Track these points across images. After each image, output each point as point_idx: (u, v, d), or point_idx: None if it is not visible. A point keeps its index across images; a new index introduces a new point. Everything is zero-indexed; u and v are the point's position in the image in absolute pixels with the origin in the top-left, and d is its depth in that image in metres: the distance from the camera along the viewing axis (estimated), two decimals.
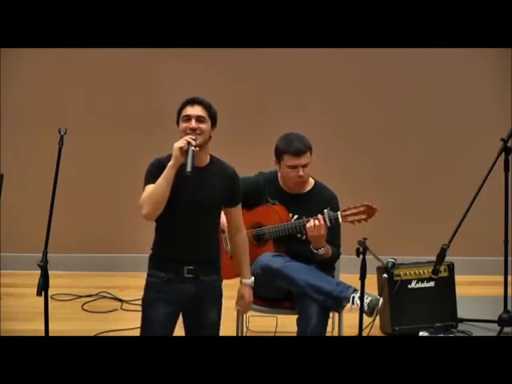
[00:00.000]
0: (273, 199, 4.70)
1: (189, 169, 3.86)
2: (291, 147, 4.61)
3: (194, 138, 3.92)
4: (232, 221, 4.14)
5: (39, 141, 6.43)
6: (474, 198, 5.09)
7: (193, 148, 3.90)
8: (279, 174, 4.75)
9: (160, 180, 3.92)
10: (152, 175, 3.97)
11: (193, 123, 3.96)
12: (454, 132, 6.76)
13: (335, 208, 4.64)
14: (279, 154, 4.66)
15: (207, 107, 4.00)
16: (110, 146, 6.64)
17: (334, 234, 4.65)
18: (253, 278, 4.23)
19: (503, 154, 5.18)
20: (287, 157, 4.63)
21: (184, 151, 3.89)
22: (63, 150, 4.11)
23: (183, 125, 3.98)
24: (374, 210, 4.56)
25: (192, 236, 3.98)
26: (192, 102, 4.00)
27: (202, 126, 3.97)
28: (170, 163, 3.91)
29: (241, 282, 4.23)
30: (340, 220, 4.57)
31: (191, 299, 4.01)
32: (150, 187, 3.95)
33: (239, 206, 4.14)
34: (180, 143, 3.91)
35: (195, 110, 3.98)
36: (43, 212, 4.16)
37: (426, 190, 6.81)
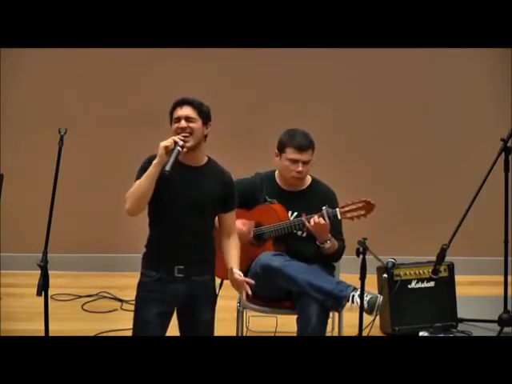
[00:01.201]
0: (271, 198, 4.70)
1: (168, 168, 3.86)
2: (295, 141, 4.62)
3: (182, 138, 3.93)
4: (224, 226, 4.15)
5: (39, 141, 6.43)
6: (474, 197, 5.09)
7: (179, 148, 3.91)
8: (277, 171, 4.76)
9: (143, 177, 3.94)
10: (141, 169, 4.00)
11: (182, 123, 3.98)
12: (454, 132, 6.77)
13: (334, 204, 4.64)
14: (282, 147, 4.66)
15: (197, 106, 4.02)
16: (110, 146, 6.64)
17: (336, 229, 4.66)
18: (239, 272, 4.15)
19: (503, 153, 5.18)
20: (289, 150, 4.63)
21: (169, 150, 3.90)
22: (63, 150, 4.12)
23: (174, 126, 4.01)
24: (372, 206, 4.55)
25: (184, 235, 3.99)
26: (181, 103, 4.03)
27: (192, 125, 3.99)
28: (154, 161, 3.93)
29: (230, 271, 4.10)
30: (339, 217, 4.57)
31: (183, 299, 4.01)
32: (136, 182, 3.98)
33: (233, 212, 4.15)
34: (166, 142, 3.92)
35: (184, 111, 4.00)
36: (43, 212, 4.16)
37: (426, 190, 6.81)
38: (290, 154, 4.63)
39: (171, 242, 4.00)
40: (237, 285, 4.09)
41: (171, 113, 4.04)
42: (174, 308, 4.06)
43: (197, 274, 4.02)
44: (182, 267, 3.99)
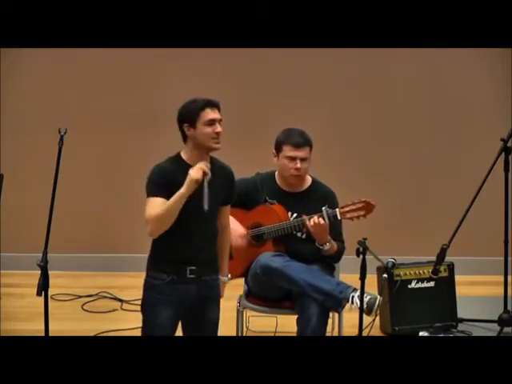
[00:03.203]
0: (271, 199, 4.70)
1: (206, 207, 3.77)
2: (291, 139, 4.63)
3: (207, 168, 3.84)
4: (221, 219, 4.10)
5: (39, 141, 6.43)
6: (474, 197, 5.09)
7: (207, 180, 3.82)
8: (277, 171, 4.76)
9: (171, 206, 3.82)
10: (155, 184, 3.90)
11: (218, 128, 3.91)
12: (454, 132, 6.77)
13: (334, 204, 4.65)
14: (279, 146, 4.67)
15: (220, 109, 3.97)
16: (110, 146, 6.64)
17: (336, 230, 4.67)
18: (229, 276, 4.18)
19: (503, 153, 5.18)
20: (286, 147, 4.64)
21: (199, 182, 3.82)
22: (63, 150, 4.12)
23: (207, 129, 3.90)
24: (372, 206, 4.56)
25: (194, 238, 3.95)
26: (212, 104, 3.93)
27: (220, 128, 3.94)
28: (182, 191, 3.81)
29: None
30: (339, 217, 4.58)
31: (193, 299, 3.99)
32: (156, 202, 3.86)
33: (229, 205, 4.13)
34: (197, 174, 3.80)
35: (216, 114, 3.93)
36: (43, 212, 4.16)
37: (426, 189, 6.81)
38: (287, 151, 4.64)
39: (182, 245, 3.94)
40: None
41: (198, 113, 3.91)
42: (183, 309, 4.04)
43: (207, 274, 4.00)
44: (193, 268, 3.96)
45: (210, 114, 3.92)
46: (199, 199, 3.88)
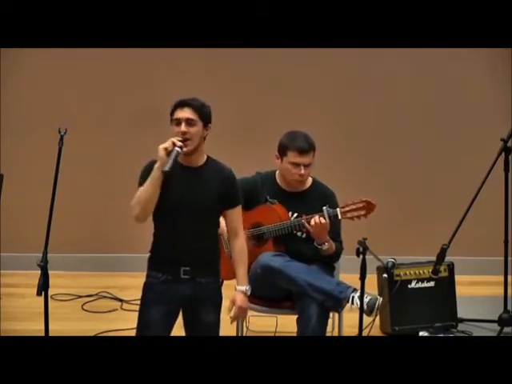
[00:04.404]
0: (271, 198, 4.70)
1: (167, 168, 3.85)
2: (296, 145, 4.62)
3: (181, 140, 3.91)
4: (229, 224, 4.13)
5: (39, 141, 6.43)
6: (474, 197, 5.09)
7: (178, 149, 3.89)
8: (278, 171, 4.76)
9: (147, 183, 3.94)
10: (144, 178, 3.99)
11: (182, 127, 3.95)
12: (454, 132, 6.77)
13: (334, 204, 4.65)
14: (283, 150, 4.66)
15: (197, 108, 3.98)
16: (109, 146, 6.64)
17: (335, 230, 4.67)
18: (248, 286, 4.17)
19: (503, 153, 5.18)
20: (291, 153, 4.63)
21: (169, 152, 3.89)
22: (63, 150, 4.12)
23: (174, 129, 3.98)
24: (373, 206, 4.56)
25: (188, 237, 3.98)
26: (181, 104, 3.99)
27: (192, 129, 3.95)
28: (156, 165, 3.92)
29: (235, 288, 4.19)
30: (339, 216, 4.57)
31: (188, 300, 4.01)
32: (140, 189, 3.97)
33: (237, 208, 4.11)
34: (165, 144, 3.90)
35: (184, 113, 3.96)
36: (43, 212, 4.16)
37: (426, 189, 6.81)
38: (292, 157, 4.63)
39: (175, 245, 3.99)
40: (234, 306, 4.16)
41: (171, 113, 4.01)
42: (179, 308, 4.06)
43: (201, 276, 4.02)
44: (187, 269, 3.99)
45: (178, 113, 3.99)
46: (189, 196, 3.92)
